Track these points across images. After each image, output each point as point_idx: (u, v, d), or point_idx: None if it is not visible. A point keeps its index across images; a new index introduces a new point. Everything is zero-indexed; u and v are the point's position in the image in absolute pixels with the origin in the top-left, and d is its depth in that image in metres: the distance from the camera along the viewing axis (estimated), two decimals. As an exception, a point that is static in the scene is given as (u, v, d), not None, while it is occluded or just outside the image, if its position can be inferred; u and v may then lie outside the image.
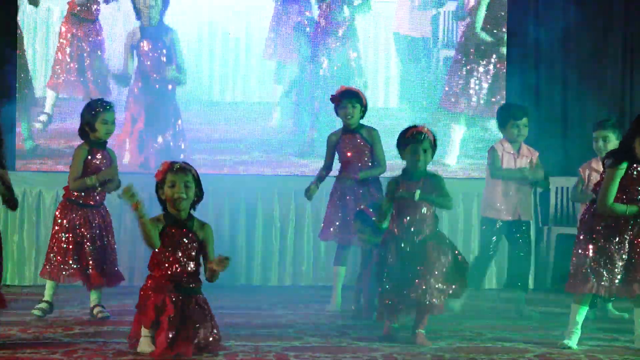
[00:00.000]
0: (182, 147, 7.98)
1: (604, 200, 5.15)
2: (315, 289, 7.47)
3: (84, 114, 6.10)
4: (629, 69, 8.57)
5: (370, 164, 6.55)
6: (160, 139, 8.00)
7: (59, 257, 6.00)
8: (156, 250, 4.91)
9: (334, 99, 6.58)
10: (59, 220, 6.06)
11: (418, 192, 5.25)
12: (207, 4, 8.18)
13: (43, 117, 8.02)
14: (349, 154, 6.57)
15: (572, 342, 5.22)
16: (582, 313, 5.25)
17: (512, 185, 6.50)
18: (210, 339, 4.85)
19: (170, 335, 4.73)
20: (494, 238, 6.56)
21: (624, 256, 5.16)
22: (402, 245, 5.28)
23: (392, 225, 5.36)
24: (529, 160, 6.57)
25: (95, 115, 6.06)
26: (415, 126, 5.40)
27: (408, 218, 5.30)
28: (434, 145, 5.37)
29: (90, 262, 5.98)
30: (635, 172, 5.15)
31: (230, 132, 8.16)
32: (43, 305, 5.98)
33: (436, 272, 5.22)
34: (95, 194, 6.09)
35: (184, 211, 4.94)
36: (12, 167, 7.80)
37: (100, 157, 6.10)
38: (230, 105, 8.22)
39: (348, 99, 6.51)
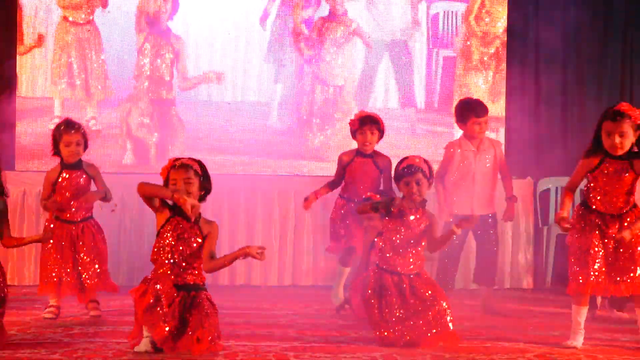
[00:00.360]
0: (182, 147, 7.98)
1: (566, 185, 5.35)
2: (315, 289, 7.47)
3: (52, 135, 6.13)
4: (629, 69, 8.58)
5: (375, 190, 6.47)
6: (160, 140, 8.01)
7: (42, 270, 6.07)
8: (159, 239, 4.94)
9: (353, 123, 6.55)
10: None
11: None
12: (207, 4, 8.17)
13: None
14: (357, 178, 6.49)
15: (577, 342, 5.22)
16: (583, 312, 5.26)
17: (469, 179, 6.43)
18: (209, 337, 4.84)
19: (167, 329, 4.72)
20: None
21: (606, 253, 5.16)
22: (400, 281, 5.28)
23: (389, 260, 5.35)
24: (491, 155, 6.46)
25: (59, 137, 6.08)
26: (407, 158, 5.41)
27: (407, 253, 5.30)
28: (429, 175, 5.36)
29: (64, 276, 6.01)
30: (607, 167, 5.15)
31: (229, 132, 8.16)
32: (51, 309, 6.04)
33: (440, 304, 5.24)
34: (74, 210, 6.09)
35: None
36: (12, 167, 7.81)
37: (75, 176, 6.09)
38: (229, 105, 8.21)
39: (368, 126, 6.47)
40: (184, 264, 4.91)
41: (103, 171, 7.77)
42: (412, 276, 5.30)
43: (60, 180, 6.08)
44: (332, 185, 6.70)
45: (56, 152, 6.12)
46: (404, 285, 5.26)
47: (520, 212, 7.93)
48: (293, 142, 8.21)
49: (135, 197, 7.62)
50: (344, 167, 6.58)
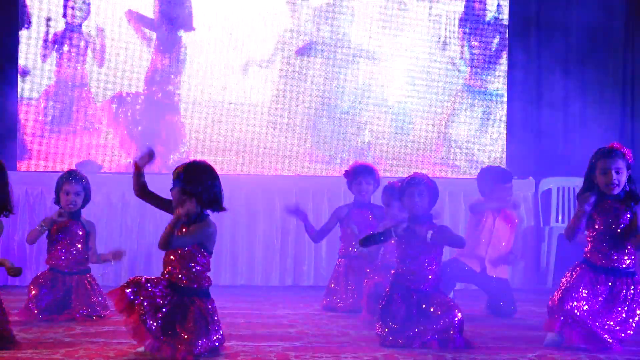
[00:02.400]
0: (184, 147, 8.00)
1: None
2: (316, 289, 7.47)
3: (57, 182, 6.12)
4: (630, 69, 8.59)
5: None
6: (162, 140, 8.02)
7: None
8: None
9: (347, 174, 6.57)
10: None
11: (430, 232, 5.18)
12: (209, 5, 8.18)
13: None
14: (355, 230, 6.43)
15: None
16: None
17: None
18: (205, 347, 4.76)
19: (152, 327, 4.63)
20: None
21: None
22: (408, 291, 5.23)
23: (398, 267, 5.32)
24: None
25: (59, 185, 6.07)
26: (411, 174, 5.43)
27: (414, 259, 5.26)
28: (433, 192, 5.32)
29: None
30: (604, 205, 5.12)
31: (231, 132, 8.17)
32: None
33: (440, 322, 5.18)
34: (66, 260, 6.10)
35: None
36: (14, 167, 7.82)
37: (72, 224, 6.05)
38: (231, 105, 8.21)
39: (362, 176, 6.51)
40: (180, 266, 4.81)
41: (104, 171, 7.82)
42: (423, 292, 5.25)
43: (54, 227, 6.04)
44: (320, 234, 6.69)
45: (57, 200, 6.09)
46: (411, 301, 5.22)
47: (522, 212, 7.93)
48: (295, 142, 8.22)
49: (136, 198, 7.65)
50: (339, 220, 6.59)
